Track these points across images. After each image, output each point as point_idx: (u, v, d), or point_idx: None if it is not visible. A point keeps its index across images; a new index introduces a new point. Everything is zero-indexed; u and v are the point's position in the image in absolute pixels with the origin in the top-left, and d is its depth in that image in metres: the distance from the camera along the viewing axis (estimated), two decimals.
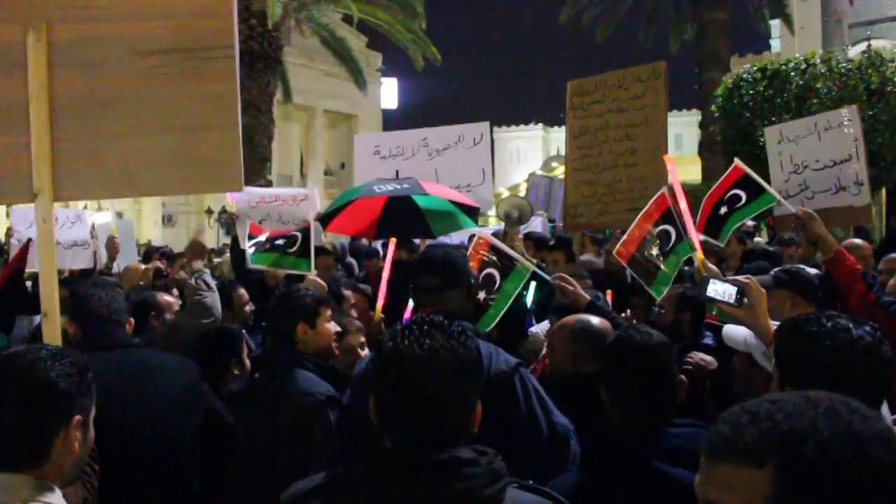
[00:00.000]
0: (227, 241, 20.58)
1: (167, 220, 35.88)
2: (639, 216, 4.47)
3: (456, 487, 1.51)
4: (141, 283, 6.36)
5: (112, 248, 7.38)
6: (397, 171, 6.41)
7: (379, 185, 5.32)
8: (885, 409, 1.95)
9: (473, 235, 4.43)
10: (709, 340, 4.02)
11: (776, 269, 4.25)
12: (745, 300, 2.59)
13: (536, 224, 9.93)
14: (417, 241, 7.05)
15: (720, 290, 2.66)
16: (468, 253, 4.08)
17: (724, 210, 4.93)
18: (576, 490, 2.14)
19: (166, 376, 3.12)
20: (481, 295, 3.96)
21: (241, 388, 3.47)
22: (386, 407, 1.63)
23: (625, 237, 4.47)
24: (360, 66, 23.96)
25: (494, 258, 4.10)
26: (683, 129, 51.79)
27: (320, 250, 6.81)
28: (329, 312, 3.27)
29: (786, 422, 0.95)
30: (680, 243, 4.34)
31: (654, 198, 4.46)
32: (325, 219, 5.88)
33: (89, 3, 2.60)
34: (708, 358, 3.61)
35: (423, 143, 7.08)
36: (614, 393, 2.36)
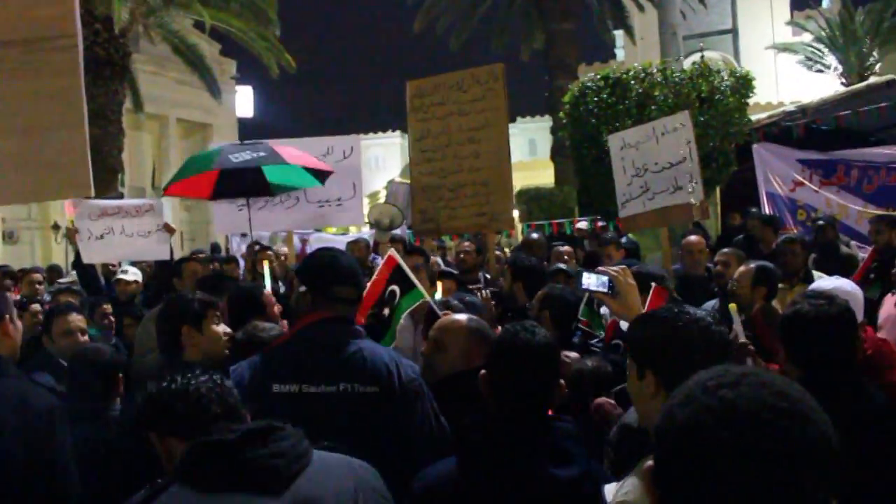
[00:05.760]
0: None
1: (8, 236, 33.47)
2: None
3: (278, 446, 1.73)
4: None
5: None
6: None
7: (234, 153, 5.35)
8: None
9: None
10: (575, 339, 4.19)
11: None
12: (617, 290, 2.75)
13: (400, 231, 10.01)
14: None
15: (593, 280, 2.83)
16: (377, 272, 4.11)
17: None
18: (451, 479, 2.18)
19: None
20: (385, 311, 3.95)
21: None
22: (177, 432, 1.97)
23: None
24: (214, 73, 23.29)
25: (398, 277, 4.07)
26: (537, 134, 53.38)
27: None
28: (217, 314, 3.13)
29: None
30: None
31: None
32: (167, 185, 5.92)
33: None
34: (573, 354, 3.69)
35: None
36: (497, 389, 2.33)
